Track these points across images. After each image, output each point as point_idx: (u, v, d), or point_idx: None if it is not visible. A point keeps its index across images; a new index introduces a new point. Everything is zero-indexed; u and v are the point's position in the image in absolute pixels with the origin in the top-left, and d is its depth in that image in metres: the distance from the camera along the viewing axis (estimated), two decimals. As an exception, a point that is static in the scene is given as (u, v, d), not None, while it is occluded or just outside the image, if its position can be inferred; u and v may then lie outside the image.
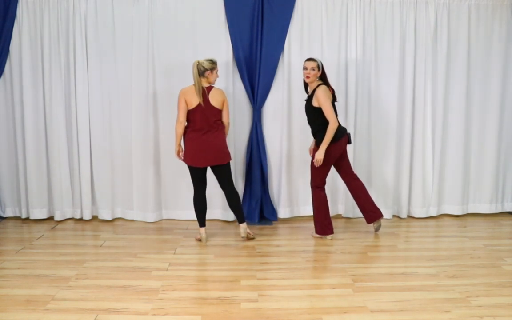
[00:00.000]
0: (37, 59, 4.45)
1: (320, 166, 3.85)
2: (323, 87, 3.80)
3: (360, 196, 4.04)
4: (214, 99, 3.75)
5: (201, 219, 3.97)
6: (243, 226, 3.98)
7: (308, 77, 3.83)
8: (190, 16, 4.44)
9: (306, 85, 4.01)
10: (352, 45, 4.52)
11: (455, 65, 4.66)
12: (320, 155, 3.78)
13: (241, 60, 4.44)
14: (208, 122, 3.75)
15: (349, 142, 3.97)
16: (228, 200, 3.96)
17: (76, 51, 4.42)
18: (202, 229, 3.98)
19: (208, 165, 3.81)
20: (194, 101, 3.72)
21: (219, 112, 3.79)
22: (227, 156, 3.85)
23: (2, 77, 4.49)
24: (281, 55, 4.51)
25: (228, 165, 3.89)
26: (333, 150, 3.84)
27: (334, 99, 3.88)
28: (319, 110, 3.79)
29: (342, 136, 3.86)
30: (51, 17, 4.40)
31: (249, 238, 4.05)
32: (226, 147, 3.87)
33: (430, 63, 4.60)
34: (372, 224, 4.20)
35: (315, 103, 3.80)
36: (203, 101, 3.71)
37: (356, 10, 4.50)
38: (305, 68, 3.84)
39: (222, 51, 4.44)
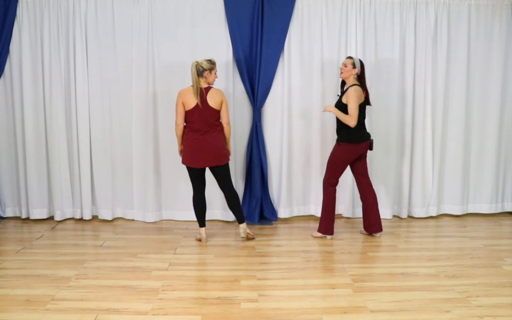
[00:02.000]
0: (37, 59, 4.45)
1: (337, 164, 3.92)
2: (355, 87, 3.81)
3: (368, 205, 4.05)
4: (212, 100, 3.73)
5: (201, 219, 3.96)
6: (243, 226, 3.98)
7: (341, 73, 3.88)
8: (190, 16, 4.44)
9: (342, 84, 4.02)
10: (352, 45, 4.52)
11: (455, 65, 4.67)
12: (330, 108, 3.81)
13: (241, 60, 4.44)
14: (206, 123, 3.74)
15: (371, 148, 3.96)
16: (227, 200, 3.96)
17: (76, 51, 4.42)
18: (202, 229, 3.98)
19: (205, 166, 3.80)
20: (192, 102, 3.71)
21: (217, 112, 3.78)
22: (225, 157, 3.84)
23: (2, 77, 4.49)
24: (281, 55, 4.51)
25: (226, 166, 3.88)
26: (352, 150, 3.88)
27: (367, 102, 3.89)
28: (346, 107, 3.80)
29: (364, 140, 3.89)
30: (51, 17, 4.40)
31: (249, 238, 4.05)
32: (225, 148, 3.85)
33: (430, 63, 4.60)
34: (379, 235, 4.18)
35: (344, 100, 3.83)
36: (201, 101, 3.70)
37: (356, 10, 4.51)
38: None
39: (222, 51, 4.44)
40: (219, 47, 4.45)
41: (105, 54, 4.47)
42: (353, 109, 3.73)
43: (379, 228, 4.10)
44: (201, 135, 3.75)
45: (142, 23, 4.41)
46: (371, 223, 4.08)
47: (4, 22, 4.36)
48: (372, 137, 3.97)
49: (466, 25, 4.62)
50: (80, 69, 4.44)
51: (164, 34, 4.44)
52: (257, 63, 4.46)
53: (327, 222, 4.03)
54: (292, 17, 4.48)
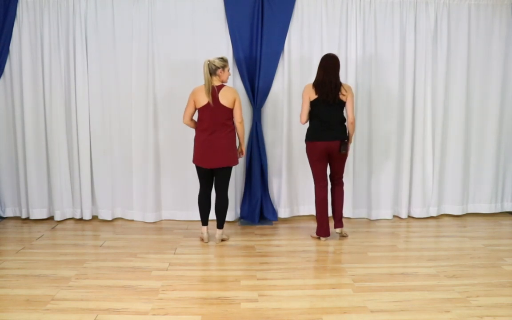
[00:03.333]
0: (37, 59, 4.45)
1: (309, 162, 4.00)
2: (307, 84, 3.95)
3: (336, 202, 4.05)
4: (225, 98, 3.70)
5: (203, 217, 3.96)
6: (219, 232, 3.98)
7: None
8: (190, 16, 4.44)
9: None
10: (352, 45, 4.52)
11: (455, 65, 4.67)
12: None
13: (241, 60, 4.44)
14: (216, 122, 3.71)
15: (339, 150, 3.85)
16: (216, 202, 3.93)
17: (76, 51, 4.42)
18: (204, 228, 3.98)
19: (213, 167, 3.77)
20: (203, 100, 3.70)
21: (229, 111, 3.74)
22: (232, 160, 3.79)
23: (2, 77, 4.49)
24: (281, 54, 4.51)
25: (229, 169, 3.85)
26: (310, 148, 3.93)
27: (323, 100, 3.80)
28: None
29: (315, 139, 3.85)
30: (51, 17, 4.40)
31: (223, 240, 4.05)
32: (233, 150, 3.79)
33: (430, 63, 4.60)
34: (339, 231, 4.13)
35: None
36: (212, 100, 3.68)
37: (356, 10, 4.50)
38: None
39: (222, 51, 4.44)
40: (219, 47, 4.44)
41: (105, 54, 4.47)
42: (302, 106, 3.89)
43: (335, 225, 4.08)
44: (209, 135, 3.72)
45: (142, 23, 4.41)
46: (340, 218, 4.08)
47: (4, 22, 4.36)
48: (345, 139, 3.86)
49: (466, 25, 4.62)
50: (80, 69, 4.44)
51: (164, 34, 4.44)
52: (257, 63, 4.46)
53: (317, 224, 4.03)
54: (292, 17, 4.48)
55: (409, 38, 4.57)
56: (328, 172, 4.13)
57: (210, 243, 3.98)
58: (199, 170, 3.86)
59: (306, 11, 4.51)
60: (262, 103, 4.55)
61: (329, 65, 3.81)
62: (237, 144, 4.04)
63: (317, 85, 3.82)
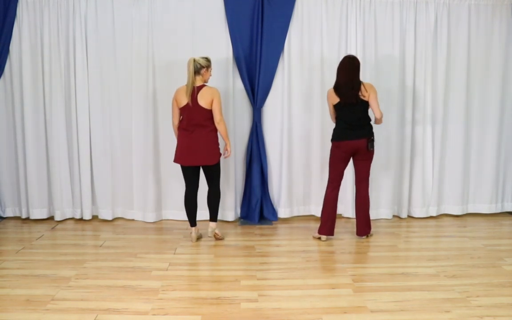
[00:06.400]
0: (37, 59, 4.45)
1: (329, 163, 4.01)
2: (329, 89, 4.00)
3: (356, 207, 4.06)
4: (203, 99, 3.70)
5: (191, 219, 3.96)
6: (212, 225, 3.98)
7: None
8: (190, 16, 4.44)
9: None
10: (352, 45, 4.52)
11: (455, 65, 4.67)
12: None
13: (241, 60, 4.44)
14: (195, 122, 3.72)
15: (367, 148, 3.86)
16: (207, 196, 3.96)
17: (76, 51, 4.42)
18: (192, 229, 3.99)
19: (194, 164, 3.79)
20: (183, 100, 3.73)
21: (208, 112, 3.73)
22: (214, 157, 3.78)
23: (2, 77, 4.49)
24: (281, 55, 4.51)
25: (215, 166, 3.85)
26: (334, 148, 3.93)
27: (344, 103, 3.83)
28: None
29: (344, 139, 3.86)
30: (51, 17, 4.40)
31: (217, 238, 4.04)
32: (214, 148, 3.78)
33: (430, 63, 4.60)
34: (364, 237, 4.13)
35: None
36: (191, 100, 3.69)
37: (356, 10, 4.50)
38: None
39: (222, 51, 4.44)
40: (219, 46, 4.44)
41: (105, 54, 4.47)
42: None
43: (361, 232, 4.07)
44: (190, 134, 3.75)
45: (142, 23, 4.41)
46: (357, 225, 4.08)
47: (4, 22, 4.36)
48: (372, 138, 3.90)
49: (466, 25, 4.62)
50: (80, 69, 4.44)
51: (164, 33, 4.44)
52: (257, 63, 4.46)
53: (321, 221, 4.04)
54: (292, 17, 4.47)
55: (409, 38, 4.57)
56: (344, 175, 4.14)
57: (209, 243, 3.98)
58: (183, 169, 3.87)
59: (306, 11, 4.51)
60: (262, 103, 4.55)
61: (344, 67, 3.83)
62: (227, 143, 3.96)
63: (336, 88, 3.87)
